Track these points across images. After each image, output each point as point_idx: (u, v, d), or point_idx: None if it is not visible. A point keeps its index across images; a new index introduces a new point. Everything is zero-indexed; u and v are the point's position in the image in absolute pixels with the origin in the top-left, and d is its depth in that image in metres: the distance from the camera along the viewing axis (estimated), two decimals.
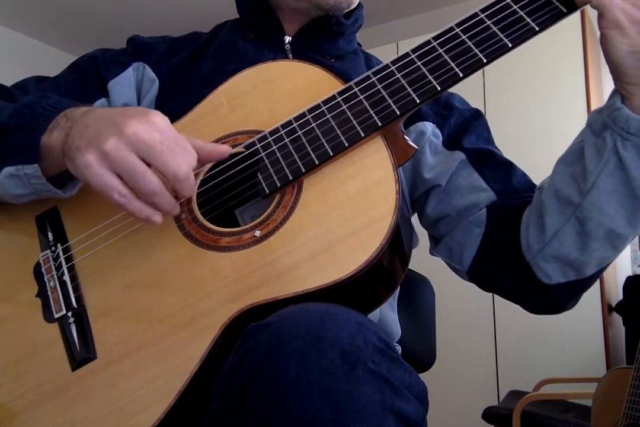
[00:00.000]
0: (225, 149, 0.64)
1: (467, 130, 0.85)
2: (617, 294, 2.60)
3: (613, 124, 0.62)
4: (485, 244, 0.77)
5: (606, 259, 0.69)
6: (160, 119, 0.59)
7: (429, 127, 0.84)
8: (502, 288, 0.79)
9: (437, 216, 0.83)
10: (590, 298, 2.40)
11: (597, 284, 2.40)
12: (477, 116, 0.87)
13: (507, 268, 0.75)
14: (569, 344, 2.40)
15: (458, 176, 0.82)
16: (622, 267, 2.77)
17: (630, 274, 2.69)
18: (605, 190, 0.64)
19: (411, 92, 0.63)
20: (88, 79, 0.84)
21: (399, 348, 0.92)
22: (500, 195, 0.79)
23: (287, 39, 0.87)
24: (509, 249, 0.74)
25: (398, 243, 0.62)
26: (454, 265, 0.82)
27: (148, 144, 0.56)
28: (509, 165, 0.83)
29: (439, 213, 0.83)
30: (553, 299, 0.74)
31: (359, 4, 0.91)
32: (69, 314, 0.65)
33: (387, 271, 0.63)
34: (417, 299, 1.16)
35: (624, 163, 0.62)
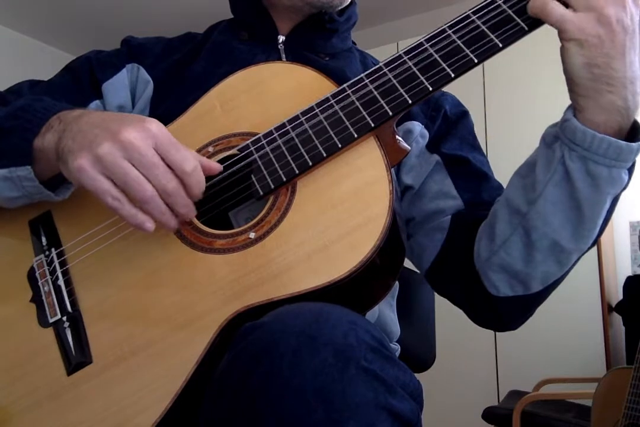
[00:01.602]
0: (217, 167, 0.65)
1: (450, 134, 0.85)
2: (617, 294, 2.60)
3: (562, 135, 0.62)
4: (444, 250, 0.78)
5: (551, 275, 0.69)
6: (155, 126, 0.59)
7: (417, 127, 0.83)
8: (453, 295, 0.80)
9: (405, 217, 0.84)
10: (590, 298, 2.40)
11: (597, 284, 2.41)
12: (462, 119, 0.87)
13: (459, 276, 0.76)
14: (569, 344, 2.39)
15: (431, 180, 0.83)
16: (622, 267, 2.77)
17: (630, 274, 2.69)
18: (551, 200, 0.64)
19: (403, 93, 0.63)
20: (82, 81, 0.84)
21: (397, 347, 0.92)
22: (468, 205, 0.79)
23: (281, 38, 0.87)
24: (464, 257, 0.75)
25: (393, 243, 0.62)
26: (414, 264, 0.84)
27: (141, 153, 0.56)
28: (483, 176, 0.83)
29: (407, 214, 0.84)
30: (499, 312, 0.74)
31: (352, 2, 0.91)
32: (64, 318, 0.65)
33: (382, 271, 0.63)
34: (417, 299, 1.16)
35: (569, 174, 0.62)
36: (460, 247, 0.76)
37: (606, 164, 0.60)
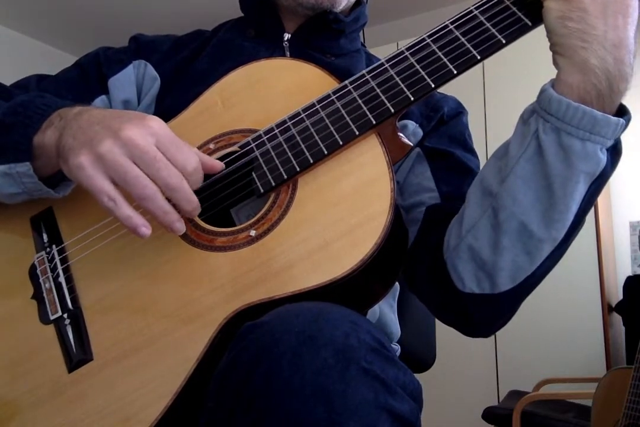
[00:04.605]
0: (219, 165, 0.64)
1: (438, 130, 0.84)
2: (617, 294, 2.60)
3: (538, 107, 0.60)
4: (416, 242, 0.76)
5: (520, 269, 0.64)
6: (156, 123, 0.58)
7: (410, 126, 0.83)
8: (420, 291, 0.78)
9: None
10: (590, 298, 2.40)
11: (597, 283, 2.41)
12: (454, 118, 0.86)
13: (427, 268, 0.73)
14: (569, 344, 2.39)
15: (412, 173, 0.82)
16: (622, 267, 2.78)
17: (630, 274, 2.69)
18: (522, 177, 0.61)
19: (405, 90, 0.62)
20: (88, 77, 0.84)
21: (398, 348, 0.92)
22: (444, 198, 0.78)
23: (286, 36, 0.86)
24: (433, 248, 0.72)
25: (394, 241, 0.62)
26: None
27: (143, 150, 0.56)
28: (467, 171, 0.81)
29: None
30: (466, 312, 0.70)
31: (361, 3, 0.91)
32: (65, 315, 0.65)
33: (383, 269, 0.63)
34: (417, 300, 1.16)
35: (542, 147, 0.59)
36: (431, 238, 0.74)
37: (579, 136, 0.57)
